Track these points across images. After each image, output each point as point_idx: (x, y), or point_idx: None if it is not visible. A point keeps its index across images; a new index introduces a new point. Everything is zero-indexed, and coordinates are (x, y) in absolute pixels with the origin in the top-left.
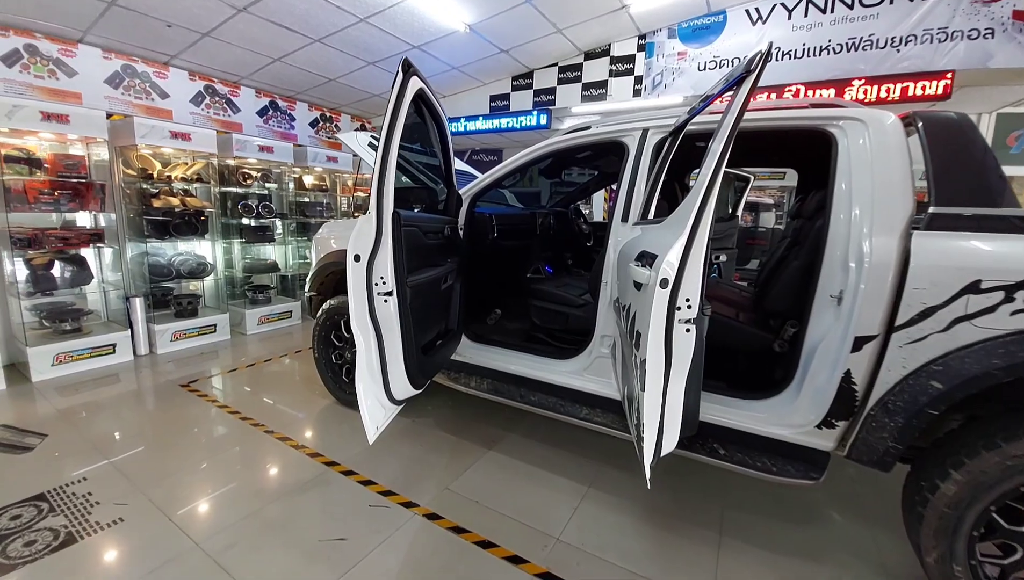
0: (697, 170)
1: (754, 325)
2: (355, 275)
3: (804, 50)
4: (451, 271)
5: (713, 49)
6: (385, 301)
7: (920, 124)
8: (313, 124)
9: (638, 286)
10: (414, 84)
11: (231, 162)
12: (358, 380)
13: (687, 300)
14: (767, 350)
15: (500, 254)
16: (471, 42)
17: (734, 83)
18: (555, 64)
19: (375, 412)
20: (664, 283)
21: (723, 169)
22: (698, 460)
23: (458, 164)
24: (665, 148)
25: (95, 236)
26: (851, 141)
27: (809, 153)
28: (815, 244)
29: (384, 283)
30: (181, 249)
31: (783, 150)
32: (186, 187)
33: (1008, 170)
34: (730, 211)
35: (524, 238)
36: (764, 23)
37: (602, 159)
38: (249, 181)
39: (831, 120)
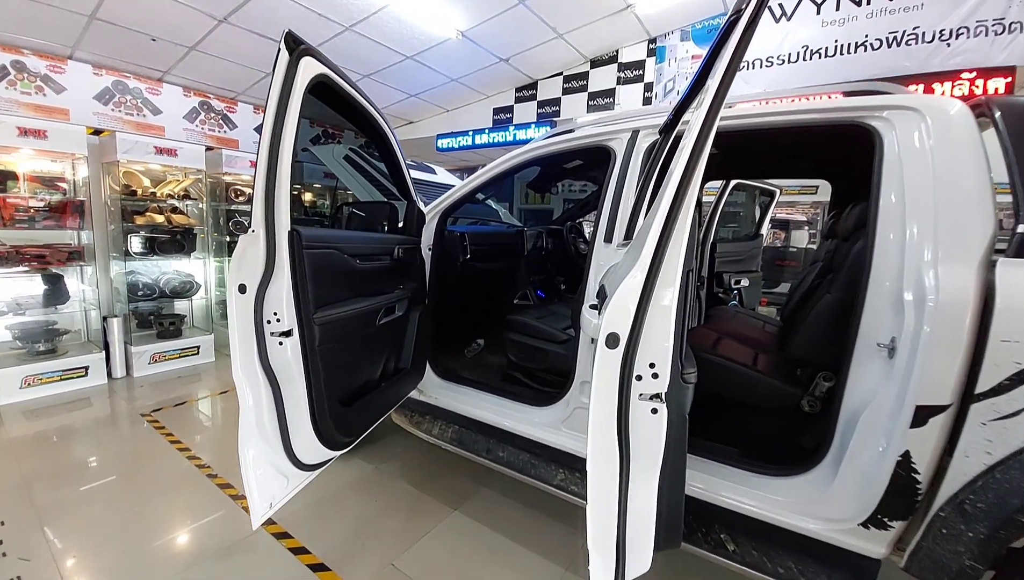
0: (716, 182)
1: (777, 374)
2: (239, 311)
3: (836, 47)
4: (402, 299)
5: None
6: (280, 343)
7: (997, 113)
8: (315, 140)
9: (594, 341)
10: (309, 68)
11: (228, 178)
12: (241, 445)
13: (651, 365)
14: (793, 408)
15: (478, 277)
16: (466, 51)
17: (723, 30)
18: (559, 73)
19: (269, 485)
20: (612, 341)
21: (700, 166)
22: (698, 556)
23: (444, 176)
24: (655, 151)
25: (74, 254)
26: (902, 137)
27: (843, 159)
28: (854, 273)
29: (279, 321)
30: (169, 267)
31: (809, 156)
32: (176, 204)
33: None
34: (754, 230)
35: (508, 259)
36: (789, 19)
37: (598, 169)
38: (241, 197)
39: (872, 111)
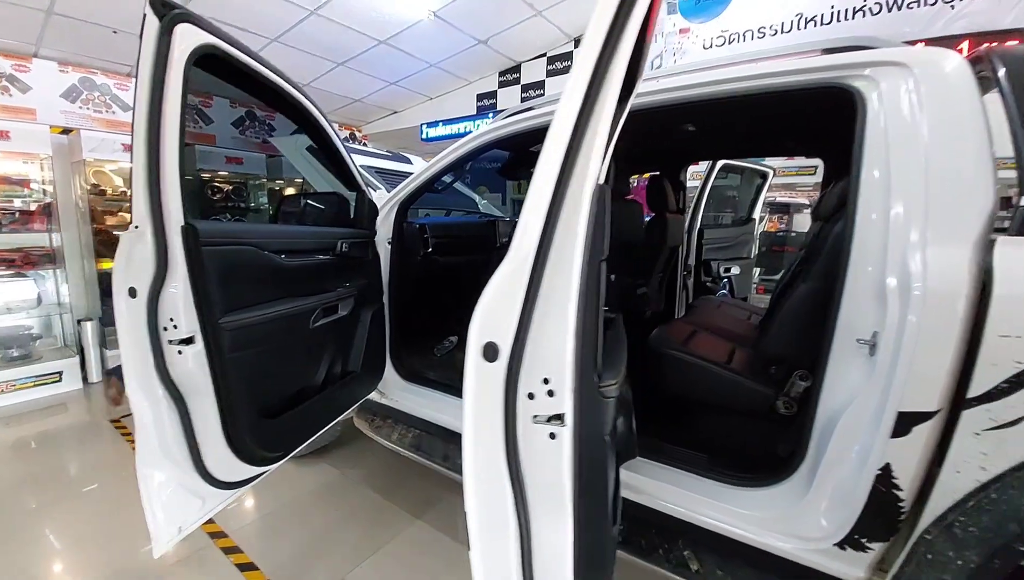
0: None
1: (751, 372)
2: (129, 317)
3: (832, 14)
4: (346, 298)
5: (720, 23)
6: (180, 352)
7: (1000, 69)
8: (238, 123)
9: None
10: (187, 36)
11: (205, 176)
12: (140, 466)
13: (544, 381)
14: (767, 411)
15: (444, 272)
16: (441, 32)
17: None
18: (543, 54)
19: (178, 508)
20: (491, 352)
21: (599, 115)
22: (660, 574)
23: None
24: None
25: (46, 257)
26: (886, 98)
27: (830, 131)
28: (833, 258)
29: (176, 327)
30: None
31: (794, 129)
32: None
33: None
34: (746, 214)
35: (477, 252)
36: None
37: None
38: (217, 195)
39: (853, 69)
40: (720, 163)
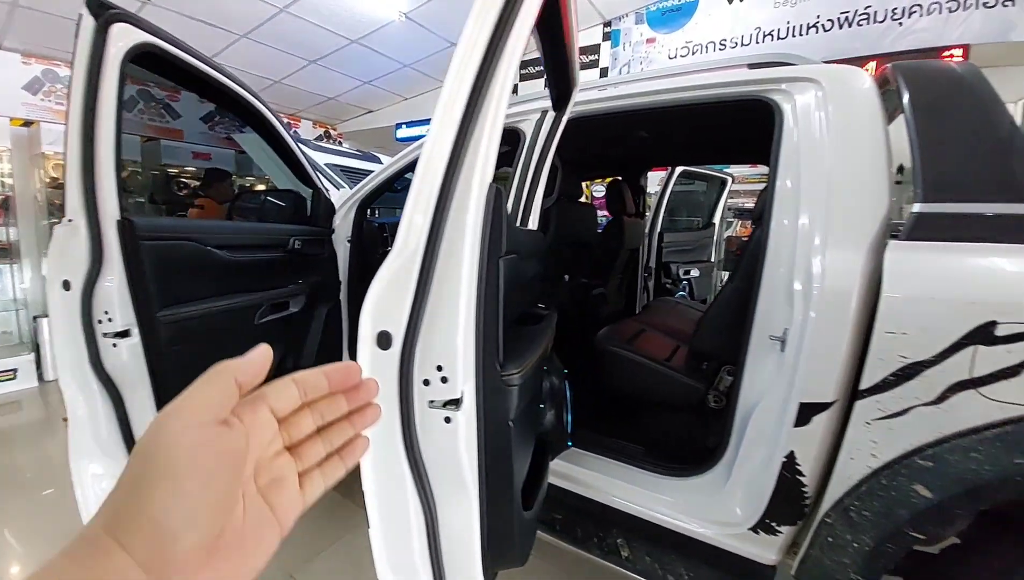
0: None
1: (687, 369)
2: (64, 310)
3: (788, 29)
4: (297, 295)
5: (685, 34)
6: (115, 345)
7: (900, 80)
8: (208, 119)
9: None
10: (124, 35)
11: (172, 171)
12: (74, 461)
13: (438, 368)
14: (698, 404)
15: None
16: (414, 34)
17: None
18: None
19: None
20: (384, 341)
21: (495, 92)
22: (592, 561)
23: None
24: (549, 127)
25: (2, 251)
26: (799, 111)
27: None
28: (752, 260)
29: (111, 321)
30: None
31: (735, 139)
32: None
33: None
34: (707, 218)
35: None
36: (742, 0)
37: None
38: (184, 191)
39: (773, 84)
40: (679, 169)
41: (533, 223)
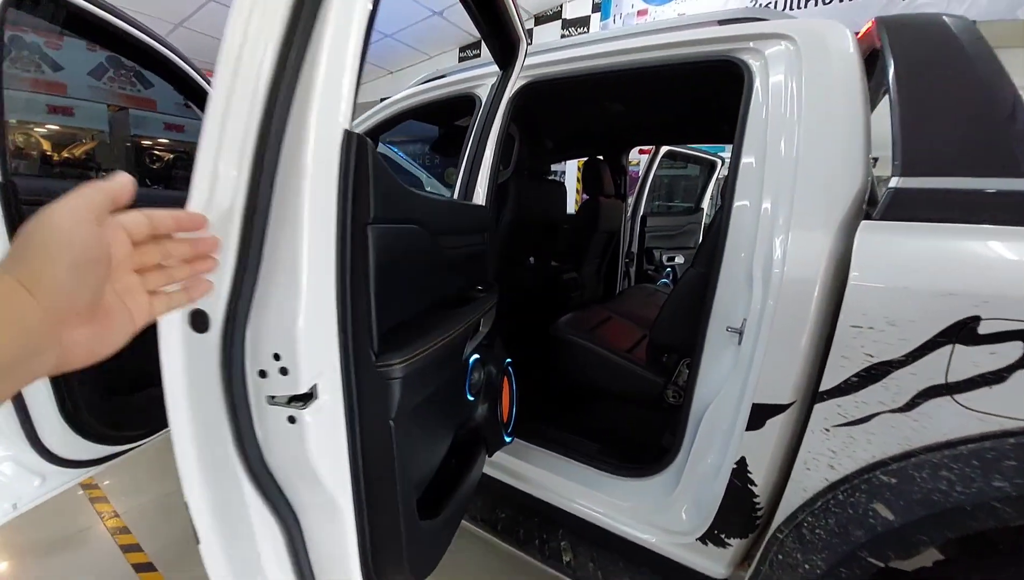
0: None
1: (647, 361)
2: None
3: (787, 1)
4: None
5: (677, 6)
6: None
7: (883, 32)
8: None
9: None
10: None
11: (146, 142)
12: None
13: (275, 356)
14: (657, 399)
15: None
16: (395, 2)
17: None
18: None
19: (12, 484)
20: (200, 322)
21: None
22: (530, 563)
23: None
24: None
25: None
26: (770, 72)
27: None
28: (712, 243)
29: None
30: None
31: (718, 110)
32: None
33: None
34: (694, 204)
35: None
36: None
37: None
38: (157, 164)
39: (742, 42)
40: (663, 150)
41: (480, 197)
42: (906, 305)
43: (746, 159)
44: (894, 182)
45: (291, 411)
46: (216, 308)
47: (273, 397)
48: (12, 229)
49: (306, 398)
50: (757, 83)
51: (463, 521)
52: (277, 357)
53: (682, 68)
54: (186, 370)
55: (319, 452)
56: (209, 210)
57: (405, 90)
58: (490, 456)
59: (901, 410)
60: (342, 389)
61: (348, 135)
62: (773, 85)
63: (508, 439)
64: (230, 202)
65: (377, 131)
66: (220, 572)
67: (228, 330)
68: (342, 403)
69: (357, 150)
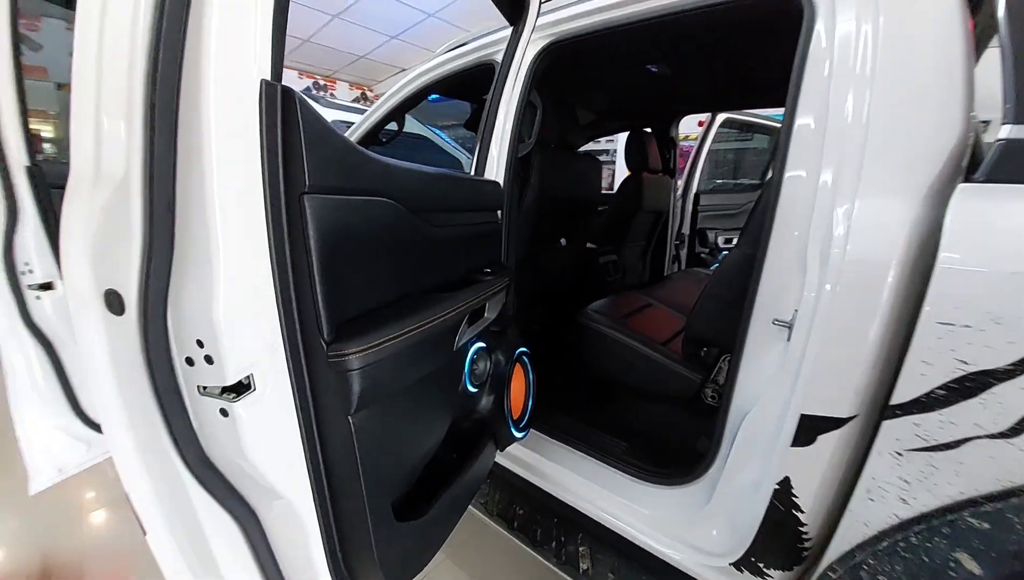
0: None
1: (685, 355)
2: None
3: None
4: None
5: None
6: (38, 298)
7: None
8: (305, 92)
9: None
10: None
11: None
12: (13, 408)
13: (199, 344)
14: (694, 398)
15: None
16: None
17: None
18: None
19: (59, 450)
20: (115, 303)
21: None
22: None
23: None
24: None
25: None
26: (836, 17)
27: None
28: (758, 222)
29: (32, 272)
30: None
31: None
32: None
33: None
34: (758, 180)
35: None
36: None
37: None
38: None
39: None
40: (720, 117)
41: (492, 171)
42: (1018, 298)
43: (802, 120)
44: (1005, 131)
45: (222, 403)
46: (128, 289)
47: (204, 387)
48: (43, 211)
49: (239, 389)
50: (819, 26)
51: (476, 511)
52: (200, 344)
53: (736, 10)
54: (109, 353)
55: (258, 448)
56: (99, 181)
57: (428, 62)
58: (501, 451)
59: (1003, 436)
60: (290, 382)
61: (267, 86)
62: (840, 28)
63: (520, 434)
64: (123, 169)
65: (402, 107)
66: (171, 564)
67: (144, 312)
68: (291, 397)
69: (282, 106)
